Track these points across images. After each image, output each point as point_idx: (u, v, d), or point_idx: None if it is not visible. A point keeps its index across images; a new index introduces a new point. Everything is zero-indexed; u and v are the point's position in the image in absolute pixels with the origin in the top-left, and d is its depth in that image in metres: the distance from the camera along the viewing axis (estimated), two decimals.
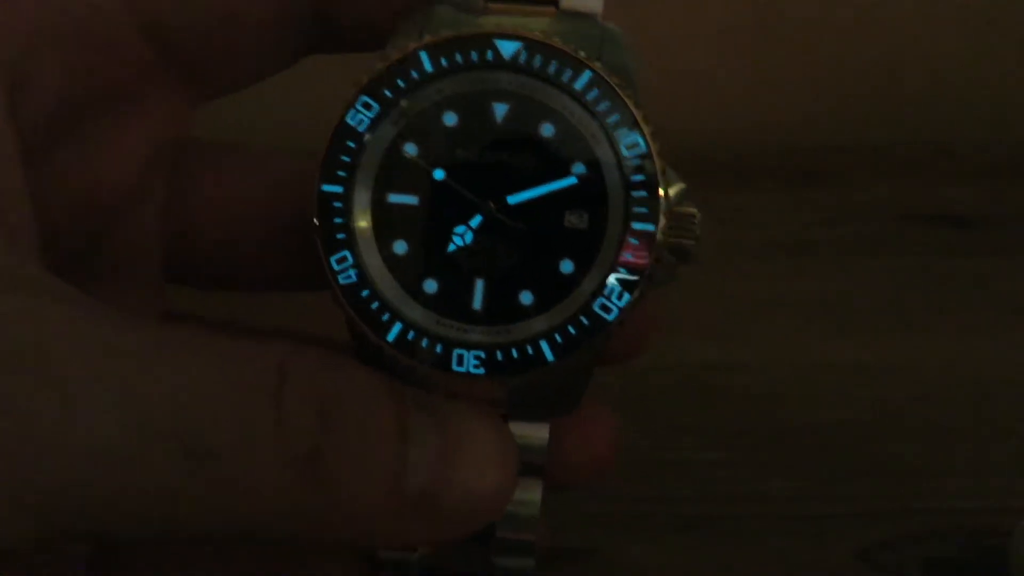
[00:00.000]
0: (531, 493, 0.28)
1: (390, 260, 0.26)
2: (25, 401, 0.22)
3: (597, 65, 0.27)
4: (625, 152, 0.26)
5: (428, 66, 0.27)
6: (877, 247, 0.50)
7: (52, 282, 0.24)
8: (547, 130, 0.27)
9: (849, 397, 0.42)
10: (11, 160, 0.25)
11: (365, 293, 0.26)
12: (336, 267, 0.26)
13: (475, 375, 0.26)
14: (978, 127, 0.57)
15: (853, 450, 0.40)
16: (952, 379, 0.43)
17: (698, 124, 0.51)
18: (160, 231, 0.31)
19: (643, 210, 0.26)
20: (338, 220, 0.26)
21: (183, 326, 0.25)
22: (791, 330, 0.45)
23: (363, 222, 0.26)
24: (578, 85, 0.26)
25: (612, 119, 0.26)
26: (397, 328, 0.26)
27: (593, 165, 0.26)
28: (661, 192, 0.26)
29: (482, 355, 0.26)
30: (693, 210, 0.27)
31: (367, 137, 0.26)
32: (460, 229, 0.26)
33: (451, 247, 0.26)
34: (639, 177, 0.26)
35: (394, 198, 0.27)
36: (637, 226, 0.26)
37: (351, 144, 0.26)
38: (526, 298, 0.26)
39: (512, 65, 0.27)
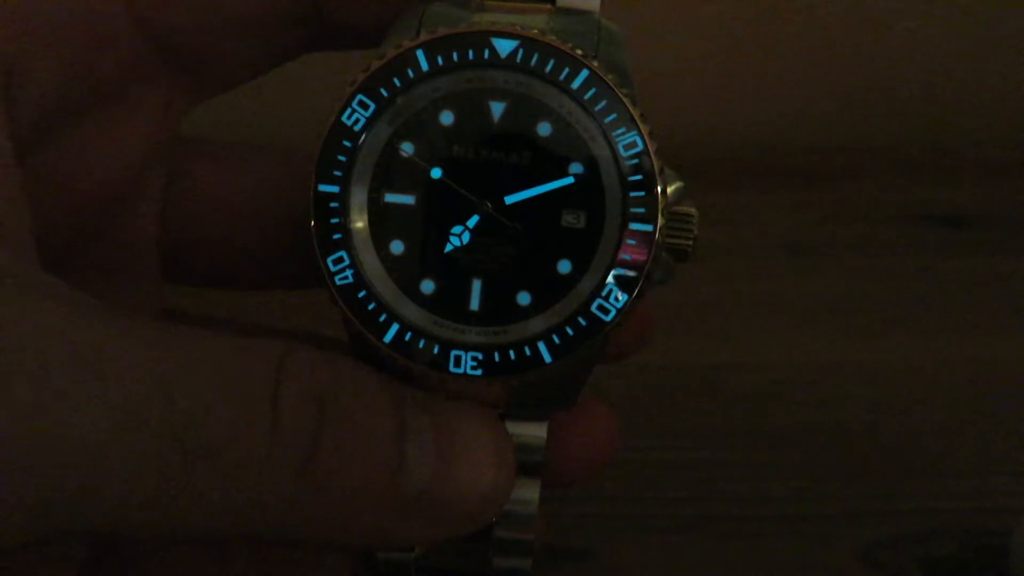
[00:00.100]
0: (529, 492, 0.28)
1: (387, 260, 0.26)
2: (21, 401, 0.22)
3: (595, 64, 0.26)
4: (623, 151, 0.26)
5: (424, 64, 0.26)
6: (877, 247, 0.50)
7: (48, 280, 0.24)
8: (544, 129, 0.26)
9: (849, 397, 0.42)
10: (6, 159, 0.25)
11: (362, 294, 0.26)
12: (333, 268, 0.26)
13: (472, 376, 0.26)
14: (977, 128, 0.57)
15: (853, 450, 0.40)
16: (952, 379, 0.43)
17: (698, 124, 0.51)
18: (156, 228, 0.31)
19: (641, 210, 0.26)
20: (334, 220, 0.26)
21: (180, 324, 0.25)
22: (791, 330, 0.45)
23: (359, 222, 0.26)
24: (575, 84, 0.26)
25: (610, 118, 0.26)
26: (394, 329, 0.26)
27: (590, 164, 0.26)
28: (659, 191, 0.26)
29: (480, 356, 0.26)
30: (691, 209, 0.27)
31: (363, 136, 0.26)
32: (457, 229, 0.26)
33: (448, 247, 0.26)
34: (637, 176, 0.26)
35: (391, 198, 0.26)
36: (635, 226, 0.26)
37: (347, 143, 0.26)
38: (523, 298, 0.26)
39: (509, 63, 0.26)
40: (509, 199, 0.26)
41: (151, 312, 0.32)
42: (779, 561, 0.36)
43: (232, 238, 0.32)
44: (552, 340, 0.26)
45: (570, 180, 0.26)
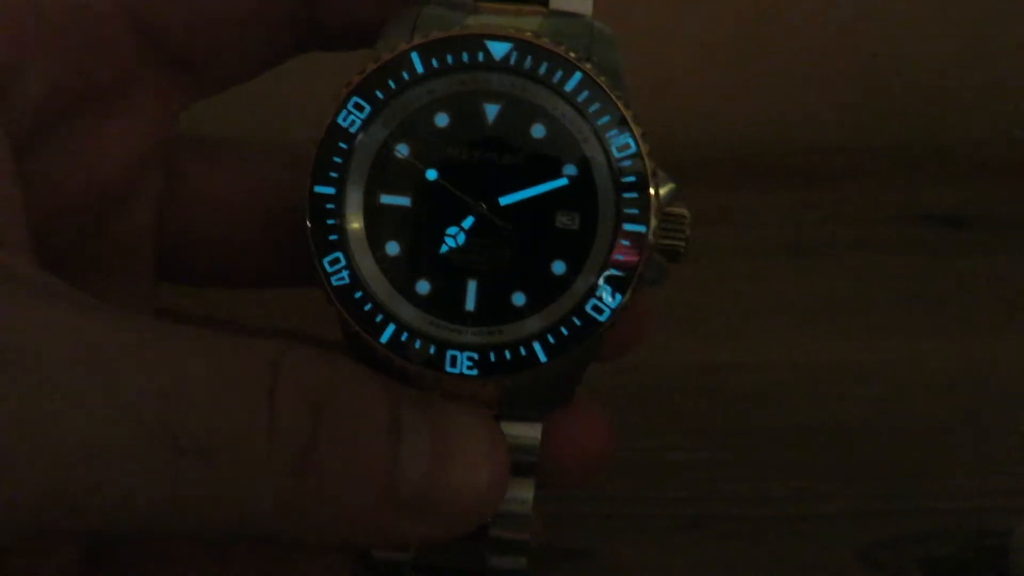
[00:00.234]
0: (523, 492, 0.28)
1: (383, 261, 0.26)
2: (16, 400, 0.22)
3: (588, 66, 0.26)
4: (616, 153, 0.26)
5: (419, 67, 0.26)
6: (877, 247, 0.50)
7: (45, 279, 0.24)
8: (538, 131, 0.27)
9: (849, 397, 0.42)
10: (3, 162, 0.25)
11: (358, 294, 0.26)
12: (329, 268, 0.26)
13: (468, 376, 0.26)
14: (977, 128, 0.57)
15: (853, 450, 0.40)
16: (951, 379, 0.43)
17: (698, 124, 0.51)
18: (152, 228, 0.31)
19: (635, 211, 0.26)
20: (330, 221, 0.26)
21: (178, 323, 0.25)
22: (791, 330, 0.45)
23: (355, 223, 0.26)
24: (569, 86, 0.26)
25: (603, 120, 0.26)
26: (390, 329, 0.26)
27: (584, 166, 0.26)
28: (652, 193, 0.26)
29: (475, 356, 0.26)
30: (683, 211, 0.27)
31: (359, 138, 0.26)
32: (452, 230, 0.26)
33: (443, 248, 0.26)
34: (630, 178, 0.26)
35: (386, 199, 0.27)
36: (628, 227, 0.26)
37: (343, 145, 0.26)
38: (518, 299, 0.26)
39: (503, 66, 0.27)
40: (503, 200, 0.26)
41: (146, 311, 0.32)
42: (779, 561, 0.36)
43: (228, 236, 0.32)
44: (547, 340, 0.26)
45: (564, 182, 0.26)
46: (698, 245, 0.28)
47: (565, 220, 0.26)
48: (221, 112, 0.34)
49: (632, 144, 0.26)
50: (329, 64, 0.32)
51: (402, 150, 0.27)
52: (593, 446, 0.29)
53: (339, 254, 0.26)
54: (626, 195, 0.26)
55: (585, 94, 0.26)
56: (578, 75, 0.26)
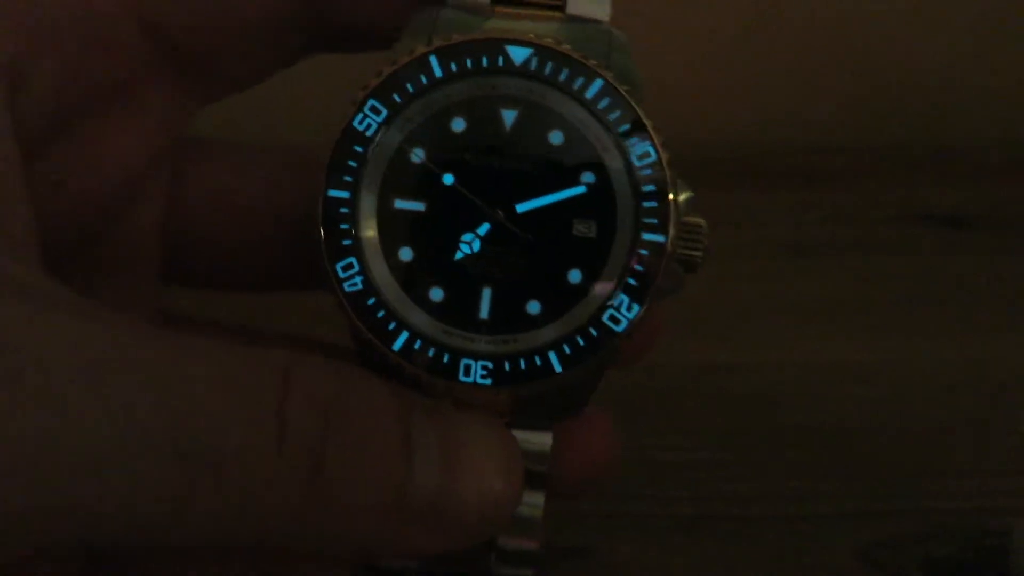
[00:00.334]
0: (533, 501, 0.27)
1: (396, 267, 0.26)
2: (22, 413, 0.21)
3: (609, 74, 0.26)
4: (636, 162, 0.26)
5: (438, 71, 0.26)
6: (877, 247, 0.50)
7: (52, 288, 0.24)
8: (556, 138, 0.26)
9: (849, 397, 0.42)
10: (13, 165, 0.25)
11: (371, 301, 0.26)
12: (342, 274, 0.26)
13: (482, 385, 0.26)
14: (977, 127, 0.57)
15: (853, 450, 0.40)
16: (952, 379, 0.43)
17: (698, 124, 0.51)
18: (158, 229, 0.31)
19: (653, 220, 0.26)
20: (344, 226, 0.26)
21: (185, 332, 0.24)
22: (791, 330, 0.45)
23: (369, 229, 0.26)
24: (589, 94, 0.26)
25: (623, 128, 0.26)
26: (403, 337, 0.26)
27: (602, 174, 0.26)
28: (672, 202, 0.26)
29: (489, 365, 0.26)
30: (701, 221, 0.27)
31: (374, 142, 0.26)
32: (467, 237, 0.26)
33: (458, 255, 0.26)
34: (650, 187, 0.26)
35: (401, 204, 0.26)
36: (647, 236, 0.26)
37: (358, 149, 0.26)
38: (533, 307, 0.26)
39: (523, 71, 0.26)
40: (520, 207, 0.26)
41: (151, 313, 0.32)
42: (779, 561, 0.36)
43: (235, 239, 0.32)
44: (562, 350, 0.26)
45: (582, 189, 0.26)
46: (706, 255, 0.27)
47: (582, 228, 0.26)
48: (228, 114, 0.34)
49: (652, 153, 0.26)
50: (335, 66, 0.32)
51: (418, 155, 0.26)
52: (600, 453, 0.29)
53: (352, 259, 0.26)
54: (645, 204, 0.26)
55: (605, 101, 0.26)
56: (599, 82, 0.26)
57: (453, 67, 0.26)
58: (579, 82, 0.26)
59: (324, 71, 0.33)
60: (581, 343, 0.26)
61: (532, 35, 0.26)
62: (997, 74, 0.57)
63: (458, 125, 0.26)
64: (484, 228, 0.26)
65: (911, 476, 0.39)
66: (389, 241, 0.26)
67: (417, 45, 0.26)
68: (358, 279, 0.26)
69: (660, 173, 0.26)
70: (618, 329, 0.26)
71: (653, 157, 0.26)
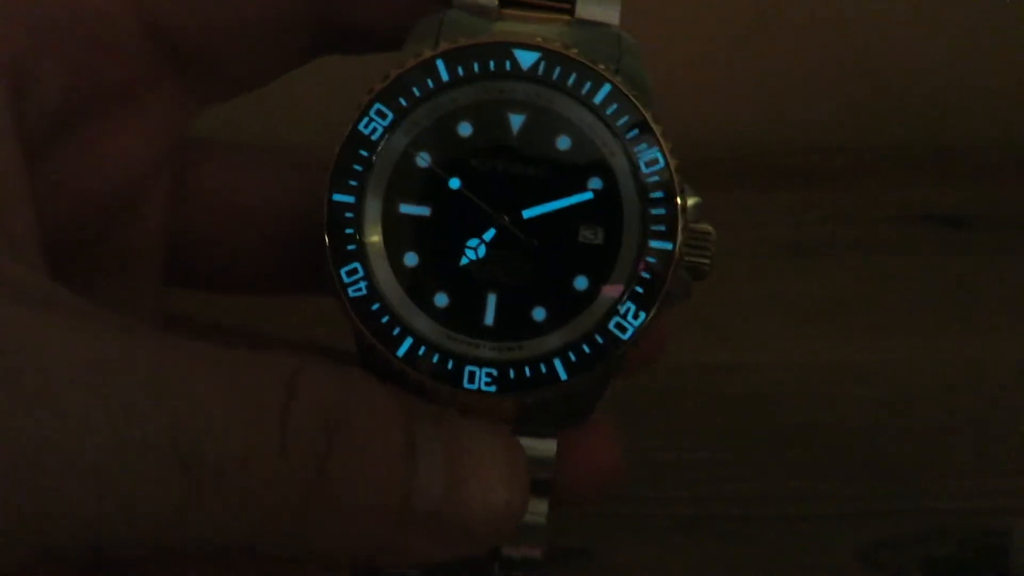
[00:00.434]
0: (537, 508, 0.27)
1: (401, 272, 0.26)
2: (21, 415, 0.21)
3: (617, 79, 0.26)
4: (644, 168, 0.26)
5: (444, 74, 0.26)
6: (877, 247, 0.50)
7: (53, 290, 0.24)
8: (564, 143, 0.26)
9: (849, 397, 0.42)
10: (15, 165, 0.25)
11: (375, 306, 0.26)
12: (346, 279, 0.26)
13: (486, 393, 0.25)
14: (977, 127, 0.57)
15: (853, 450, 0.40)
16: (952, 379, 0.43)
17: (698, 124, 0.51)
18: (162, 231, 0.31)
19: (661, 227, 0.26)
20: (349, 231, 0.26)
21: (187, 335, 0.24)
22: (791, 330, 0.45)
23: (374, 233, 0.26)
24: (597, 99, 0.26)
25: (631, 134, 0.26)
26: (407, 343, 0.25)
27: (610, 180, 0.26)
28: (680, 209, 0.26)
29: (494, 372, 0.25)
30: (709, 228, 0.27)
31: (380, 146, 0.26)
32: (473, 242, 0.26)
33: (464, 260, 0.26)
34: (658, 194, 0.26)
35: (406, 209, 0.26)
36: (655, 244, 0.26)
37: (363, 153, 0.26)
38: (539, 314, 0.26)
39: (530, 76, 0.26)
40: (527, 213, 0.26)
41: (155, 316, 0.32)
42: (779, 561, 0.36)
43: (238, 241, 0.32)
44: (568, 357, 0.26)
45: (589, 195, 0.26)
46: (714, 263, 0.27)
47: (589, 235, 0.26)
48: (228, 114, 0.34)
49: (660, 159, 0.26)
50: (336, 66, 0.32)
51: (424, 159, 0.26)
52: (606, 461, 0.29)
53: (357, 264, 0.26)
54: (653, 211, 0.26)
55: (614, 107, 0.26)
56: (607, 87, 0.26)
57: (460, 71, 0.26)
58: (587, 87, 0.26)
59: (325, 71, 0.33)
60: (587, 351, 0.26)
61: (540, 39, 0.26)
62: (997, 74, 0.57)
63: (465, 129, 0.26)
64: (490, 233, 0.26)
65: (911, 476, 0.39)
66: (394, 246, 0.26)
67: (423, 48, 0.26)
68: (362, 284, 0.26)
69: (668, 179, 0.26)
70: (624, 337, 0.26)
71: (661, 163, 0.26)
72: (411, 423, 0.24)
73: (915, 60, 0.57)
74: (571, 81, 0.26)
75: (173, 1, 0.29)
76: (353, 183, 0.26)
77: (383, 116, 0.26)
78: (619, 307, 0.26)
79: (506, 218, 0.26)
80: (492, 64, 0.26)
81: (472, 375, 0.25)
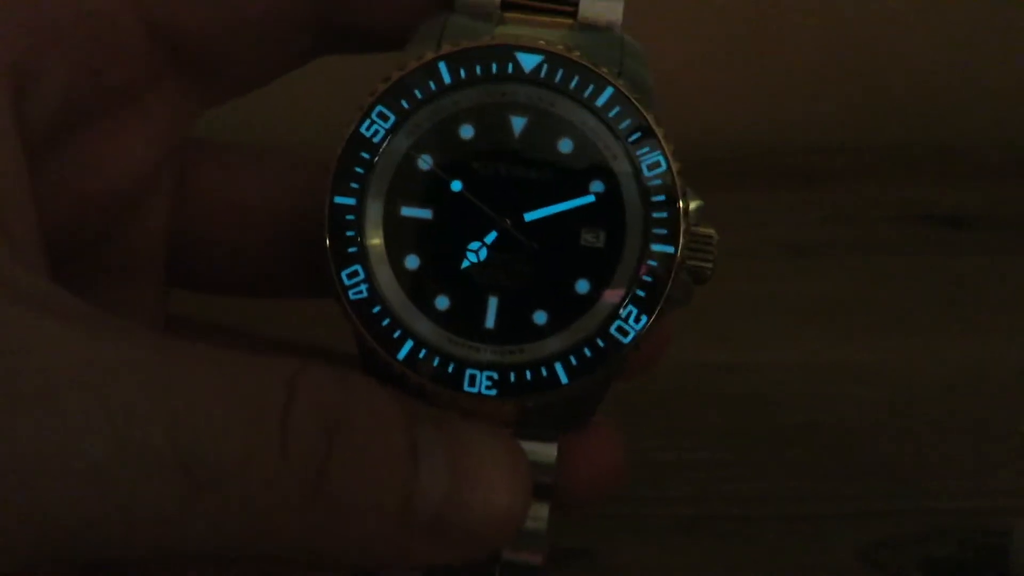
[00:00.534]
0: (538, 513, 0.27)
1: (402, 275, 0.26)
2: (21, 419, 0.21)
3: (620, 82, 0.26)
4: (646, 171, 0.26)
5: (446, 77, 0.26)
6: (877, 247, 0.50)
7: (55, 292, 0.24)
8: (566, 146, 0.26)
9: (849, 397, 0.42)
10: (17, 167, 0.25)
11: (376, 309, 0.25)
12: (347, 282, 0.25)
13: (487, 396, 0.25)
14: (977, 128, 0.57)
15: (853, 450, 0.40)
16: (952, 379, 0.43)
17: (698, 124, 0.51)
18: (164, 233, 0.31)
19: (663, 231, 0.26)
20: (350, 233, 0.26)
21: (188, 338, 0.24)
22: (791, 330, 0.45)
23: (375, 236, 0.26)
24: (599, 102, 0.26)
25: (633, 137, 0.26)
26: (408, 346, 0.25)
27: (612, 183, 0.26)
28: (682, 213, 0.26)
29: (495, 376, 0.25)
30: (711, 231, 0.27)
31: (381, 148, 0.26)
32: (474, 245, 0.26)
33: (465, 263, 0.26)
34: (660, 197, 0.26)
35: (407, 211, 0.26)
36: (656, 247, 0.26)
37: (365, 155, 0.26)
38: (540, 317, 0.26)
39: (533, 78, 0.26)
40: (528, 216, 0.26)
41: (157, 317, 0.32)
42: (779, 561, 0.36)
43: (237, 242, 0.32)
44: (569, 361, 0.25)
45: (591, 199, 0.26)
46: (715, 267, 0.27)
47: (591, 238, 0.26)
48: (230, 114, 0.34)
49: (663, 162, 0.26)
50: (336, 66, 0.32)
51: (426, 161, 0.26)
52: (607, 465, 0.29)
53: (357, 267, 0.26)
54: (655, 215, 0.26)
55: (616, 110, 0.26)
56: (609, 91, 0.26)
57: (462, 73, 0.26)
58: (589, 89, 0.26)
59: (325, 71, 0.33)
60: (588, 354, 0.25)
61: (542, 41, 0.26)
62: (997, 74, 0.57)
63: (466, 132, 0.26)
64: (491, 237, 0.26)
65: (911, 476, 0.39)
66: (395, 249, 0.26)
67: (426, 51, 0.26)
68: (363, 287, 0.26)
69: (670, 183, 0.26)
70: (625, 340, 0.25)
71: (663, 167, 0.26)
72: (412, 426, 0.24)
73: (915, 60, 0.57)
74: (573, 84, 0.26)
75: (175, 1, 0.29)
76: (354, 185, 0.26)
77: (385, 118, 0.26)
78: (620, 311, 0.26)
79: (508, 221, 0.26)
80: (494, 67, 0.26)
81: (473, 378, 0.25)
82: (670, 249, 0.26)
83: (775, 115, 0.57)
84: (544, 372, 0.25)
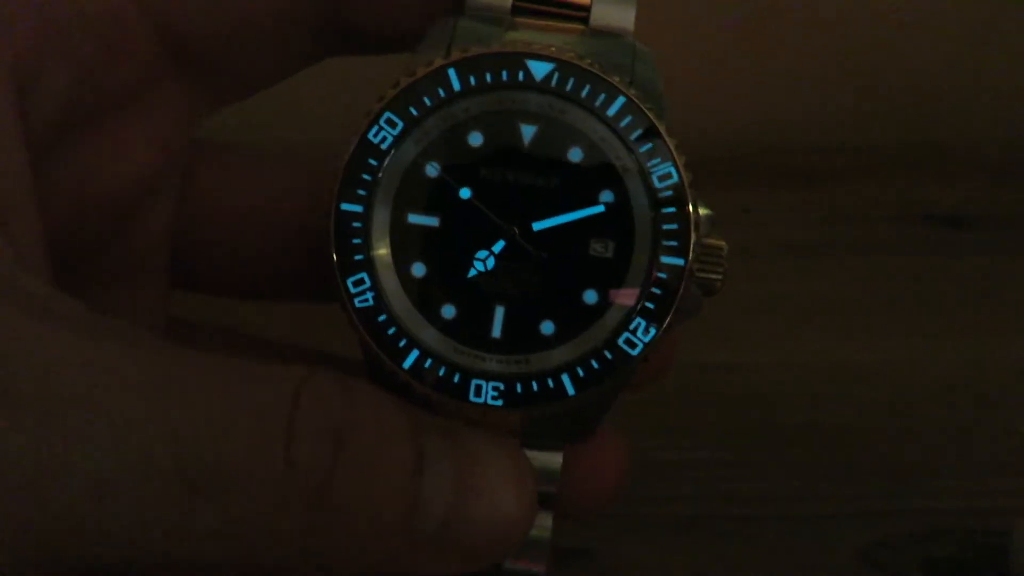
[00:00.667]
0: (542, 522, 0.27)
1: (408, 283, 0.26)
2: (21, 431, 0.21)
3: (632, 92, 0.26)
4: (657, 182, 0.25)
5: (456, 84, 0.26)
6: (877, 247, 0.50)
7: (59, 299, 0.24)
8: (576, 155, 0.26)
9: (849, 397, 0.42)
10: (19, 168, 0.25)
11: (382, 317, 0.25)
12: (353, 289, 0.25)
13: (493, 406, 0.25)
14: (976, 128, 0.57)
15: (853, 450, 0.40)
16: (952, 379, 0.43)
17: (698, 124, 0.51)
18: (167, 234, 0.31)
19: (673, 243, 0.25)
20: (356, 241, 0.25)
21: (193, 345, 0.24)
22: (791, 330, 0.45)
23: (382, 244, 0.26)
24: (611, 111, 0.26)
25: (645, 147, 0.26)
26: (413, 355, 0.25)
27: (622, 193, 0.26)
28: (693, 225, 0.25)
29: (501, 386, 0.25)
30: (721, 243, 0.26)
31: (389, 155, 0.26)
32: (482, 254, 0.26)
33: (472, 272, 0.26)
34: (670, 209, 0.25)
35: (415, 219, 0.26)
36: (666, 259, 0.25)
37: (372, 162, 0.25)
38: (547, 328, 0.25)
39: (543, 86, 0.26)
40: (537, 225, 0.26)
41: (157, 318, 0.31)
42: (779, 561, 0.36)
43: (239, 244, 0.31)
44: (576, 372, 0.25)
45: (600, 209, 0.26)
46: (725, 279, 0.27)
47: (600, 248, 0.26)
48: (231, 116, 0.33)
49: (674, 173, 0.25)
50: (341, 68, 0.32)
51: (433, 169, 0.26)
52: (613, 475, 0.29)
53: (363, 275, 0.25)
54: (665, 226, 0.25)
55: (627, 120, 0.26)
56: (621, 100, 0.26)
57: (472, 80, 0.26)
58: (601, 99, 0.26)
59: (327, 72, 0.33)
60: (596, 366, 0.25)
61: (554, 48, 0.26)
62: (997, 74, 0.57)
63: (476, 140, 0.26)
64: (499, 246, 0.26)
65: (911, 476, 0.39)
66: (402, 256, 0.26)
67: (435, 56, 0.26)
68: (369, 295, 0.25)
69: (681, 194, 0.25)
70: (634, 353, 0.25)
71: (674, 178, 0.25)
72: (418, 435, 0.24)
73: (915, 60, 0.57)
74: (585, 92, 0.26)
75: (180, 3, 0.29)
76: (361, 192, 0.25)
77: (393, 125, 0.26)
78: (629, 322, 0.25)
79: (516, 230, 0.26)
80: (505, 74, 0.26)
81: (479, 388, 0.25)
82: (680, 261, 0.25)
83: (775, 115, 0.56)
84: (551, 383, 0.25)
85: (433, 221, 0.26)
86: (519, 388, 0.25)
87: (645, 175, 0.26)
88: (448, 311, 0.26)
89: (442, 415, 0.25)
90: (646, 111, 0.26)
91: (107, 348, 0.23)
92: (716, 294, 0.27)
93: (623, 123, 0.26)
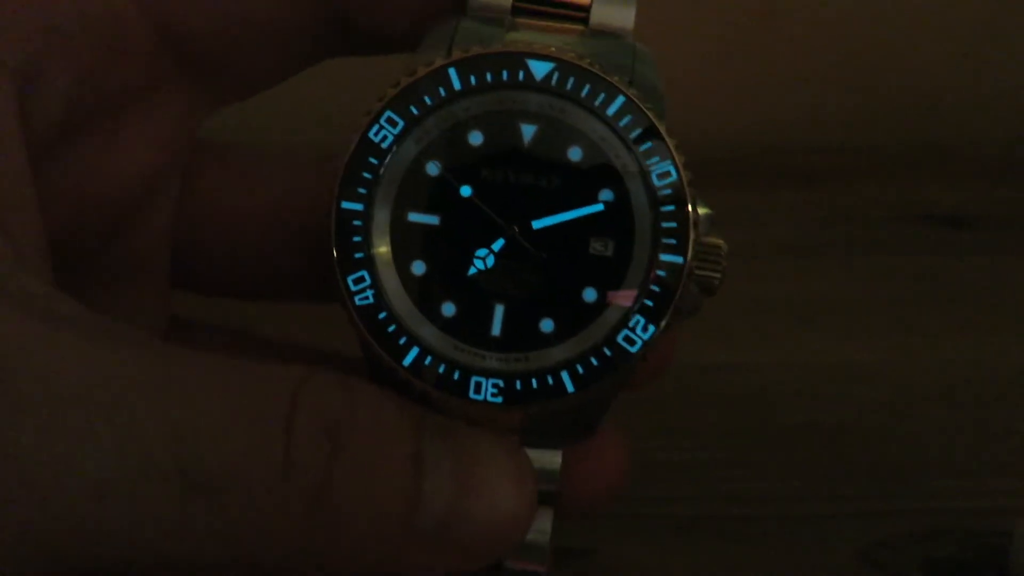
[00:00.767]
0: (542, 522, 0.27)
1: (408, 281, 0.26)
2: (23, 432, 0.21)
3: (632, 92, 0.26)
4: (656, 181, 0.26)
5: (457, 83, 0.26)
6: (877, 247, 0.50)
7: (60, 302, 0.24)
8: (576, 154, 0.26)
9: (849, 397, 0.42)
10: (20, 169, 0.25)
11: (382, 315, 0.25)
12: (353, 287, 0.25)
13: (492, 404, 0.25)
14: (977, 127, 0.57)
15: (853, 450, 0.40)
16: (952, 379, 0.43)
17: (698, 124, 0.51)
18: (168, 235, 0.31)
19: (672, 241, 0.26)
20: (356, 239, 0.25)
21: (193, 345, 0.24)
22: (791, 330, 0.45)
23: (382, 242, 0.26)
24: (611, 111, 0.26)
25: (644, 146, 0.26)
26: (413, 352, 0.25)
27: (621, 192, 0.26)
28: (692, 223, 0.26)
29: (500, 383, 0.25)
30: (720, 242, 0.26)
31: (390, 154, 0.26)
32: (482, 252, 0.26)
33: (472, 270, 0.26)
34: (669, 207, 0.26)
35: (415, 217, 0.26)
36: (665, 257, 0.26)
37: (373, 161, 0.26)
38: (547, 326, 0.26)
39: (544, 86, 0.26)
40: (537, 224, 0.26)
41: (159, 318, 0.31)
42: (779, 561, 0.36)
43: (239, 244, 0.31)
44: (575, 370, 0.25)
45: (600, 207, 0.26)
46: (724, 278, 0.27)
47: (599, 247, 0.26)
48: (231, 116, 0.34)
49: (673, 172, 0.26)
50: (341, 68, 0.32)
51: (434, 168, 0.26)
52: (613, 474, 0.29)
53: (364, 273, 0.25)
54: (664, 224, 0.26)
55: (627, 119, 0.26)
56: (621, 99, 0.26)
57: (472, 80, 0.26)
58: (600, 98, 0.26)
59: (327, 72, 0.33)
60: (595, 363, 0.25)
61: (554, 48, 0.26)
62: (996, 74, 0.57)
63: (476, 139, 0.26)
64: (499, 244, 0.26)
65: (911, 476, 0.39)
66: (402, 255, 0.26)
67: (436, 56, 0.26)
68: (369, 293, 0.25)
69: (680, 193, 0.26)
70: (633, 350, 0.25)
71: (674, 176, 0.26)
72: (417, 434, 0.24)
73: (915, 60, 0.57)
74: (584, 92, 0.26)
75: (182, 3, 0.29)
76: (362, 191, 0.26)
77: (394, 124, 0.26)
78: (628, 320, 0.25)
79: (515, 228, 0.26)
80: (505, 74, 0.26)
81: (478, 386, 0.25)
82: (679, 259, 0.26)
83: (775, 115, 0.57)
84: (550, 380, 0.25)
85: (433, 219, 0.26)
86: (519, 385, 0.25)
87: (645, 174, 0.26)
88: (448, 309, 0.26)
89: (442, 413, 0.25)
90: (646, 111, 0.26)
91: (107, 348, 0.23)
92: (715, 293, 0.27)
93: (623, 122, 0.26)
